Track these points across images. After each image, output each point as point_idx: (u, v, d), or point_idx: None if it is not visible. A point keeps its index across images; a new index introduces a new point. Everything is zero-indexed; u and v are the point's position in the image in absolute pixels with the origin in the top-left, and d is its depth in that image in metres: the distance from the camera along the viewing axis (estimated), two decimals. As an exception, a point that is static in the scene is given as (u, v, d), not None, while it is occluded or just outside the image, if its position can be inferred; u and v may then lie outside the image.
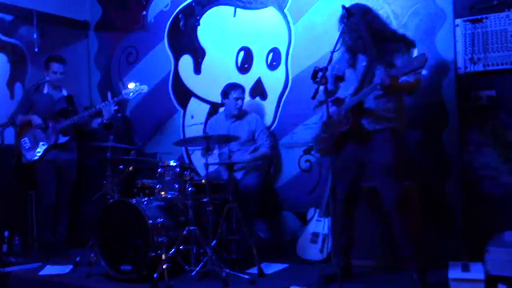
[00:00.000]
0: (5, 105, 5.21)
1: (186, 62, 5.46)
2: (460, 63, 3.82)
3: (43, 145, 4.74)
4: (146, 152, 5.62)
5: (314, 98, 3.22)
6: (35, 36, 5.47)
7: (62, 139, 4.80)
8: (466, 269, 3.18)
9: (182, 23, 5.45)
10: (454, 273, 3.13)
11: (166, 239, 3.71)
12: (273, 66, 4.92)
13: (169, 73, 5.56)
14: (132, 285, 3.71)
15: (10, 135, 5.15)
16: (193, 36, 5.38)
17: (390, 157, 3.27)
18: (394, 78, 3.06)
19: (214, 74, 5.21)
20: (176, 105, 5.52)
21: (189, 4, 5.40)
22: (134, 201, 3.90)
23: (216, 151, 4.78)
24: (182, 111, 5.48)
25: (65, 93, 4.96)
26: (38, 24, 5.50)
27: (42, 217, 4.92)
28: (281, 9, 4.84)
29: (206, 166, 3.89)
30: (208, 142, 3.92)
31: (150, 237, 3.71)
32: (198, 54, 5.36)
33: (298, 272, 3.91)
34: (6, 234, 4.82)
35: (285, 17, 4.82)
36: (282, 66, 4.85)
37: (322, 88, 3.10)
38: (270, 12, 4.91)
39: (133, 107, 5.80)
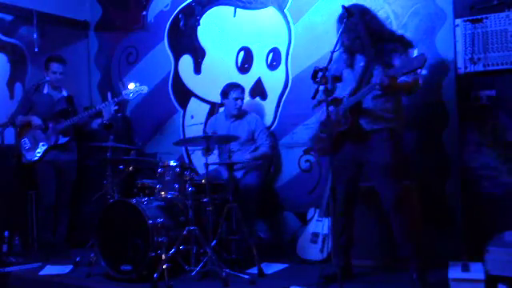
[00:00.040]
0: (5, 105, 5.21)
1: (186, 62, 5.46)
2: (460, 63, 3.82)
3: (43, 145, 4.74)
4: (146, 152, 5.62)
5: (314, 97, 3.24)
6: (35, 36, 5.47)
7: (62, 140, 4.80)
8: (466, 269, 3.18)
9: (182, 23, 5.45)
10: (454, 273, 3.13)
11: (166, 239, 3.71)
12: (273, 66, 4.92)
13: (169, 73, 5.56)
14: (132, 285, 3.71)
15: (10, 135, 5.15)
16: (193, 36, 5.38)
17: (388, 157, 3.27)
18: (393, 78, 3.06)
19: (213, 74, 5.21)
20: (176, 105, 5.52)
21: (189, 4, 5.40)
22: (133, 201, 3.90)
23: (216, 151, 4.78)
24: (182, 111, 5.48)
25: (65, 93, 4.97)
26: (38, 24, 5.50)
27: (42, 217, 4.92)
28: (281, 9, 4.84)
29: (206, 166, 3.90)
30: (208, 142, 3.92)
31: (150, 237, 3.71)
32: (198, 54, 5.36)
33: (298, 272, 3.91)
34: (6, 234, 4.82)
35: (285, 17, 4.82)
36: (282, 66, 4.85)
37: (321, 88, 3.11)
38: (270, 12, 4.91)
39: (133, 107, 5.80)
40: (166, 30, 5.56)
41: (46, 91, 4.90)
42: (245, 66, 5.07)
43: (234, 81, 4.81)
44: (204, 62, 5.33)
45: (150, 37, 5.69)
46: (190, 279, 3.69)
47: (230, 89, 4.65)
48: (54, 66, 4.82)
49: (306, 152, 4.65)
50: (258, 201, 4.47)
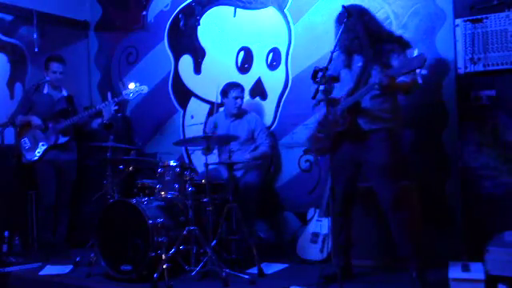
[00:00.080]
0: (5, 105, 5.21)
1: (186, 62, 5.46)
2: (460, 63, 3.82)
3: (43, 145, 4.74)
4: (146, 152, 5.62)
5: (314, 97, 3.24)
6: (35, 36, 5.47)
7: (62, 139, 4.80)
8: (466, 269, 3.18)
9: (182, 23, 5.45)
10: (454, 273, 3.13)
11: (166, 239, 3.71)
12: (273, 66, 4.92)
13: (169, 73, 5.56)
14: (132, 285, 3.71)
15: (10, 135, 5.15)
16: (193, 36, 5.38)
17: (386, 157, 3.28)
18: (392, 78, 3.07)
19: (214, 74, 5.21)
20: (176, 105, 5.52)
21: (189, 4, 5.40)
22: (133, 201, 3.90)
23: (215, 151, 4.78)
24: (182, 111, 5.48)
25: (65, 93, 4.97)
26: (38, 24, 5.49)
27: (42, 217, 4.91)
28: (281, 9, 4.84)
29: (206, 165, 3.90)
30: (208, 142, 3.92)
31: (150, 237, 3.71)
32: (198, 54, 5.36)
33: (298, 272, 3.91)
34: (6, 234, 4.82)
35: (285, 17, 4.82)
36: (282, 66, 4.85)
37: (321, 88, 3.11)
38: (270, 12, 4.91)
39: (133, 107, 5.80)
40: (166, 30, 5.56)
41: (46, 91, 4.90)
42: (245, 66, 5.07)
43: (233, 81, 4.81)
44: (204, 62, 5.34)
45: (149, 37, 5.69)
46: (190, 279, 3.69)
47: (230, 88, 4.65)
48: (54, 66, 4.82)
49: (306, 152, 4.65)
50: (258, 200, 4.47)
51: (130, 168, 4.71)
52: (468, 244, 3.66)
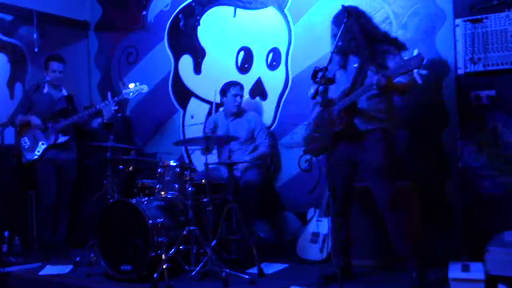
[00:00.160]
0: (5, 105, 5.21)
1: (186, 62, 5.46)
2: (460, 63, 3.82)
3: (42, 144, 4.74)
4: (146, 152, 5.62)
5: (314, 97, 3.24)
6: (35, 36, 5.47)
7: (62, 138, 4.80)
8: (466, 269, 3.18)
9: (182, 23, 5.45)
10: (454, 273, 3.13)
11: (166, 239, 3.71)
12: (273, 66, 4.92)
13: (169, 73, 5.56)
14: (132, 285, 3.71)
15: (10, 135, 5.15)
16: (193, 36, 5.38)
17: (381, 157, 3.29)
18: (390, 78, 3.07)
19: (214, 74, 5.21)
20: (176, 105, 5.52)
21: (189, 4, 5.40)
22: (133, 201, 3.90)
23: (215, 150, 4.78)
24: (182, 111, 5.48)
25: (65, 92, 4.97)
26: (38, 24, 5.49)
27: (42, 217, 4.91)
28: (281, 9, 4.84)
29: (206, 165, 3.89)
30: (208, 142, 3.92)
31: (150, 237, 3.71)
32: (198, 54, 5.36)
33: (298, 272, 3.91)
34: (6, 234, 4.82)
35: (285, 17, 4.82)
36: (282, 66, 4.85)
37: (321, 88, 3.12)
38: (270, 12, 4.91)
39: (133, 107, 5.80)
40: (166, 30, 5.56)
41: (45, 90, 4.90)
42: (245, 66, 5.07)
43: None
44: (204, 62, 5.34)
45: (150, 37, 5.69)
46: (190, 279, 3.69)
47: (229, 86, 4.65)
48: (54, 65, 4.83)
49: (305, 152, 4.64)
50: (258, 200, 4.47)
51: (130, 168, 4.71)
52: (468, 244, 3.66)
